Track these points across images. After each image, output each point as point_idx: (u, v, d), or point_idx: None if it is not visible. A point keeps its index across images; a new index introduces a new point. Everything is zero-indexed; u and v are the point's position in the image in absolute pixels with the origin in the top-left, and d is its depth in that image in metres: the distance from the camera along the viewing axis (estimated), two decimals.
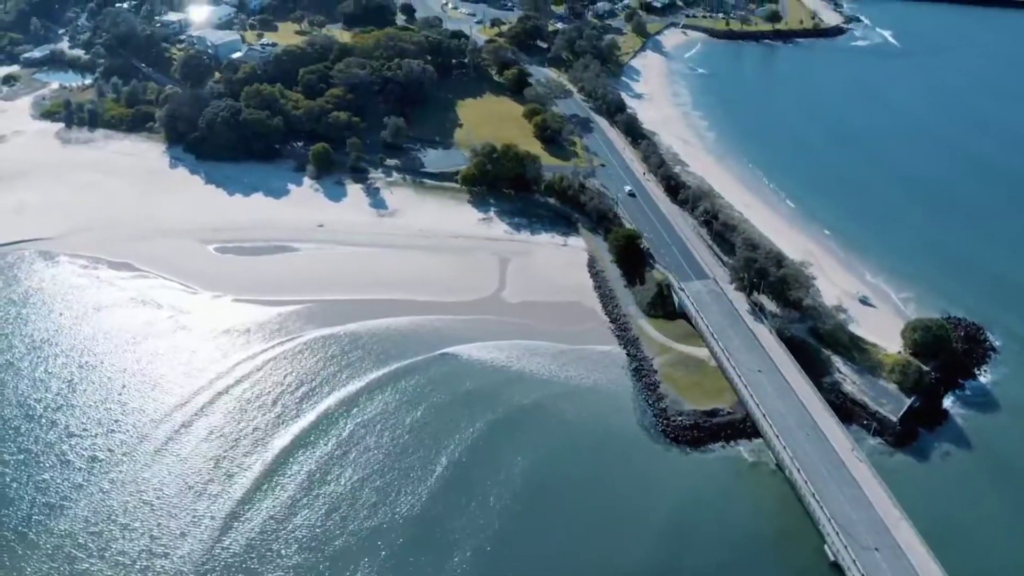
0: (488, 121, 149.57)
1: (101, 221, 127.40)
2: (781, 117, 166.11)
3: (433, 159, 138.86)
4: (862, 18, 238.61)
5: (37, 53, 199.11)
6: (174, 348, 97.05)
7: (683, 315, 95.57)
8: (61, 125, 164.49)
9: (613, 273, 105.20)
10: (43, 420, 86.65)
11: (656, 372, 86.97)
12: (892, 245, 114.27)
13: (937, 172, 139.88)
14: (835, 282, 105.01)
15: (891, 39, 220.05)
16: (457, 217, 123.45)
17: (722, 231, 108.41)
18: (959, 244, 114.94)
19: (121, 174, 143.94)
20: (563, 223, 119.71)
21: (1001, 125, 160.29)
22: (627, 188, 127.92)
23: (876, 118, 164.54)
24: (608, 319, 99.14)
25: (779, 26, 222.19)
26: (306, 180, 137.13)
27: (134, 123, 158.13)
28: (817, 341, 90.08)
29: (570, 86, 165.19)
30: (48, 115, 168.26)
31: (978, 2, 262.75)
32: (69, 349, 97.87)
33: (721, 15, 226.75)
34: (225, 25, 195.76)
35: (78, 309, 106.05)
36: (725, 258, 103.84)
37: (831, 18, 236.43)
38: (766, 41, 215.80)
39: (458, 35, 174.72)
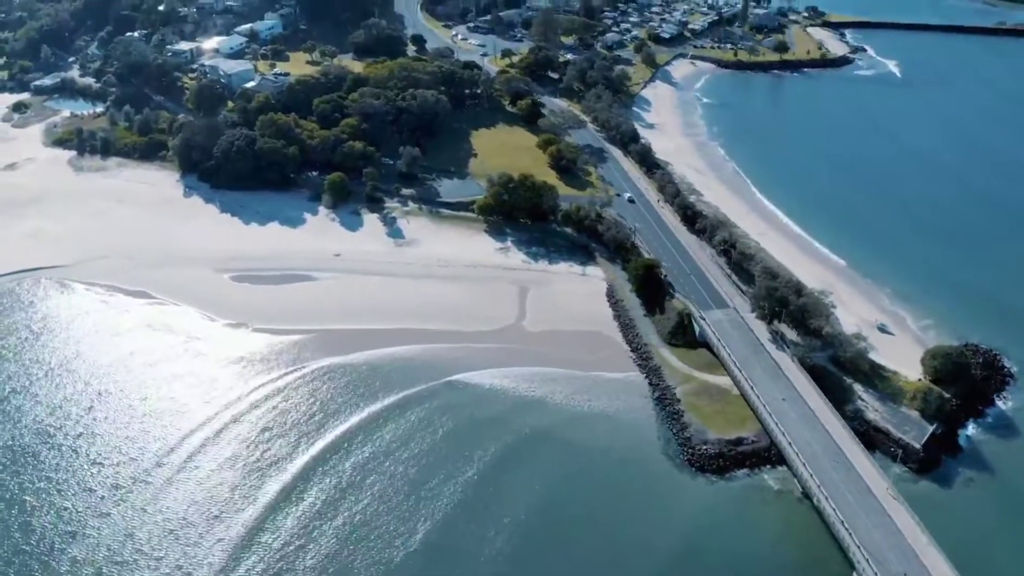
0: (502, 151, 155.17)
1: (116, 249, 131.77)
2: (792, 147, 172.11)
3: (449, 189, 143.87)
4: (867, 48, 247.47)
5: (48, 81, 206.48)
6: (191, 375, 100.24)
7: (704, 344, 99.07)
8: (73, 153, 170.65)
9: (633, 302, 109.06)
10: (63, 447, 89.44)
11: (679, 401, 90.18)
12: (906, 274, 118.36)
13: (945, 202, 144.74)
14: (853, 310, 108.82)
15: (896, 69, 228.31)
16: (475, 246, 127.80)
17: (740, 260, 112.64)
18: (970, 273, 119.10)
19: (135, 202, 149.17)
20: (581, 253, 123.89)
21: (1008, 156, 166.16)
22: (627, 195, 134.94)
23: (884, 148, 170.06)
24: (629, 348, 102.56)
25: (787, 56, 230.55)
26: (321, 209, 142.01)
27: (147, 151, 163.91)
28: (838, 369, 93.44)
29: (583, 116, 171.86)
30: (60, 142, 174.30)
31: (982, 31, 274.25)
32: (88, 376, 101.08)
33: (729, 46, 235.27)
34: (237, 55, 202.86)
35: (95, 336, 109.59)
36: (744, 287, 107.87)
37: (837, 48, 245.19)
38: (775, 72, 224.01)
39: (471, 66, 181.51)
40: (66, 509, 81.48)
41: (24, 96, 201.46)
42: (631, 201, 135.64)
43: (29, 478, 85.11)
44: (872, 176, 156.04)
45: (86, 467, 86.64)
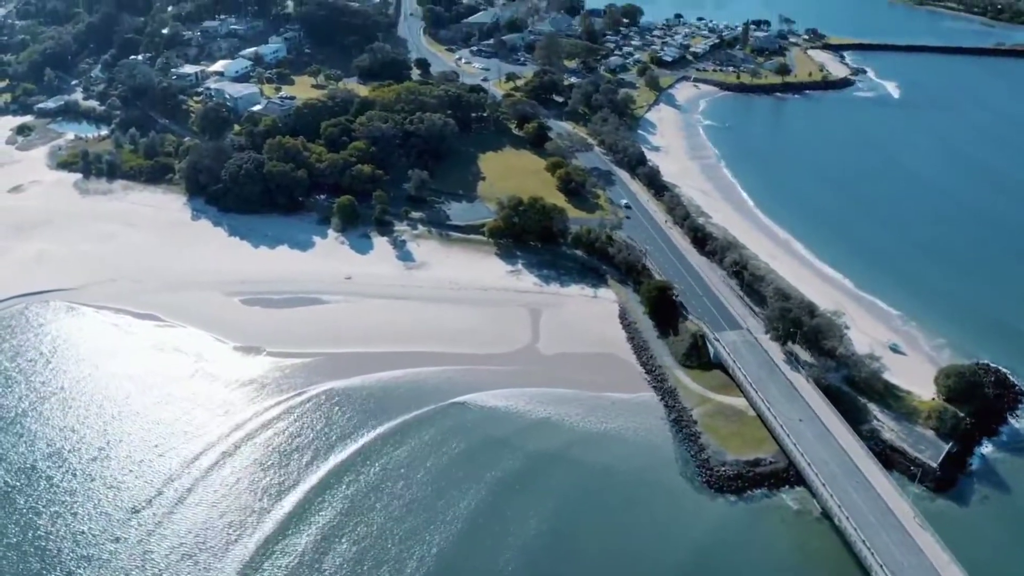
0: (510, 174, 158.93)
1: (124, 272, 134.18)
2: (796, 169, 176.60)
3: (458, 212, 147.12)
4: (867, 70, 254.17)
5: (51, 104, 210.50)
6: (202, 398, 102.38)
7: (719, 366, 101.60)
8: (78, 175, 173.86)
9: (646, 324, 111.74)
10: (77, 471, 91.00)
11: (696, 423, 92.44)
12: (912, 294, 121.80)
13: (946, 223, 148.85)
14: (863, 330, 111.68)
15: (896, 90, 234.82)
16: (485, 269, 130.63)
17: (751, 282, 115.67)
18: (974, 294, 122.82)
19: (142, 225, 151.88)
20: (592, 275, 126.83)
21: (1008, 176, 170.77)
22: (623, 202, 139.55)
23: (886, 170, 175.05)
24: (643, 370, 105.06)
25: (788, 79, 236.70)
26: (331, 232, 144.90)
27: (153, 174, 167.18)
28: (852, 389, 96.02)
29: (590, 139, 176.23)
30: (65, 165, 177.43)
31: (980, 52, 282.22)
32: (100, 399, 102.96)
33: (731, 68, 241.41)
34: (242, 78, 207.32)
35: (106, 359, 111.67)
36: (756, 308, 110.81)
37: (838, 70, 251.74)
38: (777, 94, 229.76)
39: (477, 89, 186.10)
40: (82, 533, 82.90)
41: (28, 119, 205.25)
42: (627, 207, 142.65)
43: (44, 501, 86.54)
44: (875, 198, 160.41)
45: (101, 490, 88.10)
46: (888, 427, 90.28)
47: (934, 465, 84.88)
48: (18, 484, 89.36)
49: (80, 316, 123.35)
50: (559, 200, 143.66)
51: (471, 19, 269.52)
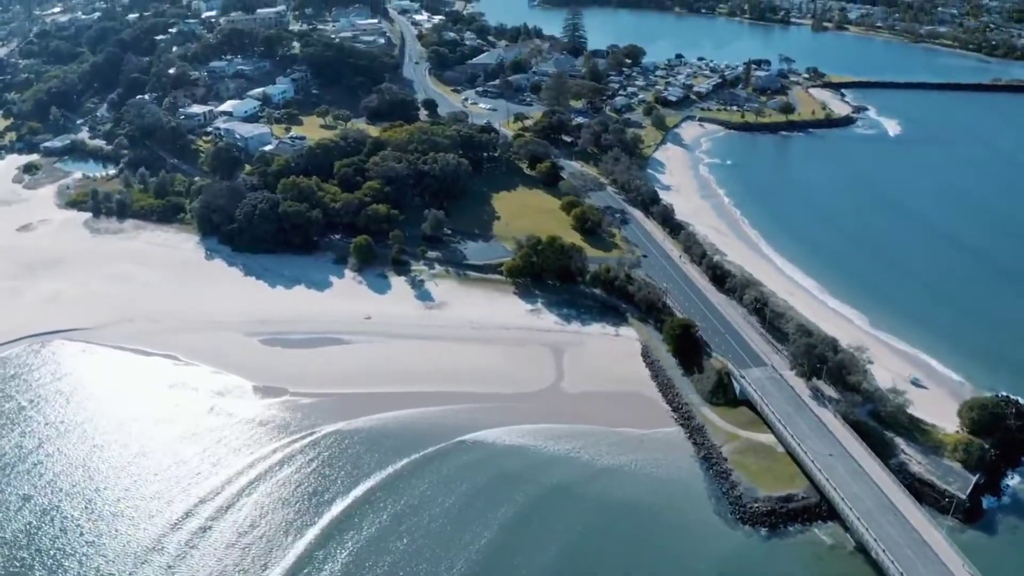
0: (524, 213, 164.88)
1: (140, 312, 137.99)
2: (805, 206, 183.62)
3: (474, 251, 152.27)
4: (869, 107, 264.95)
5: (57, 142, 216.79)
6: (227, 438, 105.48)
7: (745, 402, 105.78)
8: (88, 215, 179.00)
9: (669, 362, 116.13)
10: (102, 511, 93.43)
11: (726, 460, 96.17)
12: (926, 330, 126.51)
13: (952, 263, 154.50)
14: (884, 366, 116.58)
15: (897, 127, 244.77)
16: (505, 309, 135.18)
17: (772, 319, 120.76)
18: (985, 329, 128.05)
19: (156, 265, 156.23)
20: (612, 313, 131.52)
21: (1009, 216, 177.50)
22: (618, 215, 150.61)
23: (891, 208, 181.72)
24: (670, 408, 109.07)
25: (792, 117, 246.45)
26: (347, 272, 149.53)
27: (165, 214, 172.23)
28: (879, 424, 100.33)
29: (602, 179, 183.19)
30: (74, 204, 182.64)
31: (978, 88, 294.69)
32: (123, 438, 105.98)
33: (735, 107, 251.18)
34: (251, 118, 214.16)
35: (125, 398, 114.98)
36: (779, 345, 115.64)
37: (840, 108, 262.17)
38: (782, 132, 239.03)
39: (487, 129, 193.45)
40: (111, 574, 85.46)
41: (34, 157, 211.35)
42: (624, 222, 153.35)
43: (69, 542, 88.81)
44: (881, 235, 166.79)
45: (127, 530, 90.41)
46: (915, 460, 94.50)
47: (963, 497, 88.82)
48: (43, 525, 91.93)
49: (98, 356, 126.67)
50: (575, 239, 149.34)
51: (475, 60, 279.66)
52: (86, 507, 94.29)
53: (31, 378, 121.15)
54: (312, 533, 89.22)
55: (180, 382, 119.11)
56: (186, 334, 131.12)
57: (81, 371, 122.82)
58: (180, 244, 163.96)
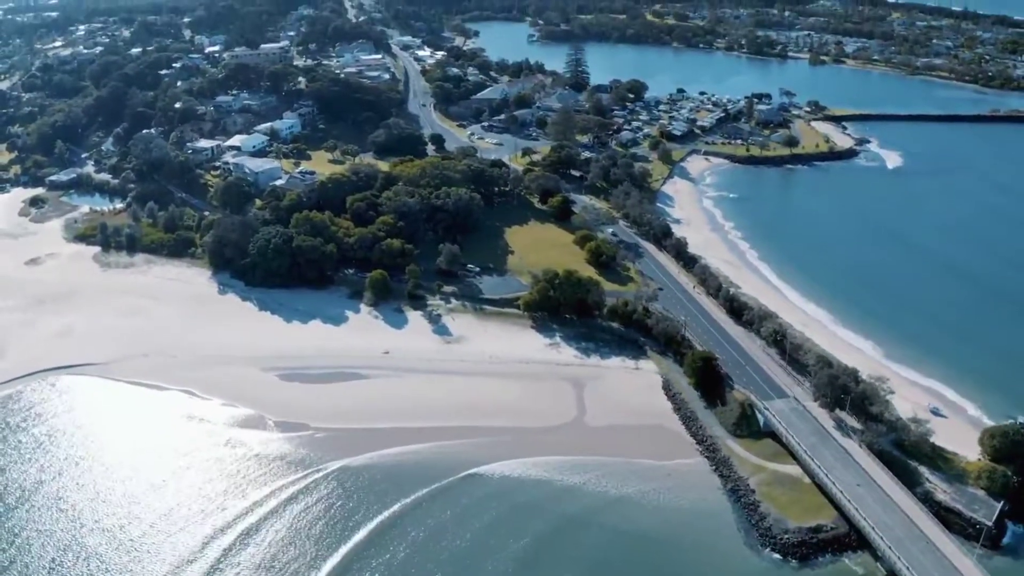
0: (538, 247, 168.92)
1: (155, 347, 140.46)
2: (813, 239, 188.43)
3: (490, 285, 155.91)
4: (870, 140, 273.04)
5: (63, 176, 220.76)
6: (241, 469, 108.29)
7: (769, 434, 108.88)
8: (97, 248, 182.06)
9: (691, 395, 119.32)
10: (126, 545, 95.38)
11: (754, 492, 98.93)
12: (940, 361, 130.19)
13: (957, 294, 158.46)
14: (903, 395, 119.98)
15: (899, 159, 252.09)
16: (523, 343, 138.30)
17: (792, 350, 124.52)
18: (995, 358, 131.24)
19: (168, 300, 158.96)
20: (631, 347, 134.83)
21: (1012, 246, 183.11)
22: (610, 230, 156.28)
23: (896, 240, 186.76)
24: (694, 440, 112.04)
25: (796, 150, 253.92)
26: (363, 307, 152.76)
27: (175, 248, 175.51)
28: (902, 453, 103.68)
29: (614, 212, 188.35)
30: (82, 238, 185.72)
31: (976, 119, 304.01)
32: (147, 473, 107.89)
33: (740, 141, 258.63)
34: (259, 153, 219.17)
35: (142, 433, 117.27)
36: (800, 377, 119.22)
37: (842, 141, 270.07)
38: (787, 166, 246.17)
39: (498, 164, 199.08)
40: None
41: (39, 191, 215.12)
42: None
43: None
44: (887, 266, 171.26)
45: (150, 563, 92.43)
46: (940, 488, 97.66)
47: (989, 524, 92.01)
48: (66, 560, 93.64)
49: (114, 391, 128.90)
50: (590, 273, 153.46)
51: (480, 95, 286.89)
52: (108, 541, 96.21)
53: (46, 412, 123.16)
54: (330, 563, 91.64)
55: (197, 416, 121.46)
56: (203, 369, 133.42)
57: (97, 405, 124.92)
58: (192, 279, 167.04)
